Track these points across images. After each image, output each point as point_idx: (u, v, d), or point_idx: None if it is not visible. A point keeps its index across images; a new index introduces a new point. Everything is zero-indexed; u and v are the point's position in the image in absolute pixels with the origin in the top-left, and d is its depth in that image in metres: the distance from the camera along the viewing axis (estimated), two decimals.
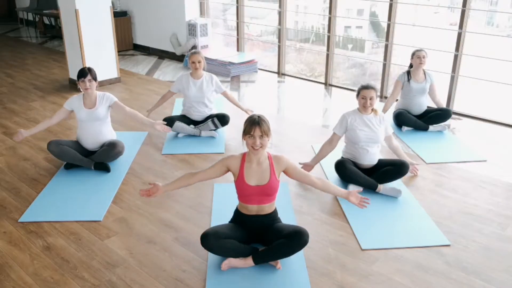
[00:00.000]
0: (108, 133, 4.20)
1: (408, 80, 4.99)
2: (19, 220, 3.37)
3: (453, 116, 5.06)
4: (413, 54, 4.98)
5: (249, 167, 2.87)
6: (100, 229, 3.28)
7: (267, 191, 2.86)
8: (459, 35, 5.46)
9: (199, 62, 4.72)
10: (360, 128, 3.76)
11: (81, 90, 4.05)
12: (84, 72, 3.99)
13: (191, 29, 7.88)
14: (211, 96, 4.86)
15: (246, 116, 2.89)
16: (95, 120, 4.06)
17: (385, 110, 5.03)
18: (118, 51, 7.12)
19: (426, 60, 4.94)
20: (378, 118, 3.81)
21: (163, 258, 2.96)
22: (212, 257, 2.92)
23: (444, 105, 5.21)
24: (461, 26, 5.42)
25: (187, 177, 2.97)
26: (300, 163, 3.85)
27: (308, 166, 3.91)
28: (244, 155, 2.90)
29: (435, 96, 5.13)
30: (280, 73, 7.34)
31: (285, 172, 2.96)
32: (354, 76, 7.79)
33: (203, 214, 3.47)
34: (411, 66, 5.04)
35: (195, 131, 4.80)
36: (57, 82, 6.83)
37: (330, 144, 3.90)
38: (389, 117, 5.16)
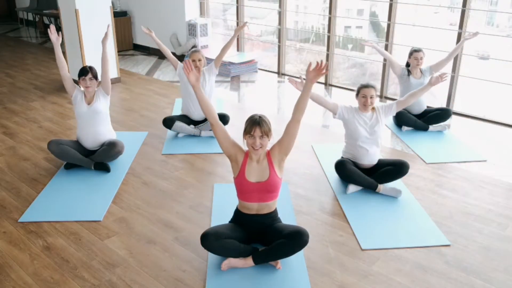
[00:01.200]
0: (108, 133, 4.21)
1: (408, 75, 5.01)
2: (19, 220, 3.37)
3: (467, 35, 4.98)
4: (410, 54, 5.00)
5: (250, 163, 2.88)
6: (100, 229, 3.28)
7: (267, 188, 2.86)
8: (459, 35, 5.46)
9: (199, 60, 4.72)
10: (361, 124, 3.76)
11: (82, 88, 4.06)
12: (85, 71, 4.00)
13: (191, 29, 7.88)
14: (212, 90, 4.84)
15: (247, 116, 2.88)
16: (94, 114, 4.06)
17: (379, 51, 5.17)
18: (118, 51, 7.12)
19: (423, 61, 4.96)
20: (376, 115, 3.80)
21: (163, 258, 2.96)
22: (212, 257, 2.92)
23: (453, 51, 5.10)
24: (461, 26, 5.42)
25: (214, 110, 2.89)
26: (301, 78, 3.66)
27: (299, 84, 3.71)
28: (247, 152, 2.90)
29: (441, 62, 5.04)
30: (280, 73, 7.34)
31: (283, 151, 2.88)
32: (354, 76, 7.79)
33: (203, 214, 3.47)
34: (407, 64, 5.06)
35: (195, 131, 4.80)
36: (57, 82, 6.83)
37: (327, 103, 3.81)
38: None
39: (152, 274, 2.82)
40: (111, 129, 4.25)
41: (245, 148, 2.92)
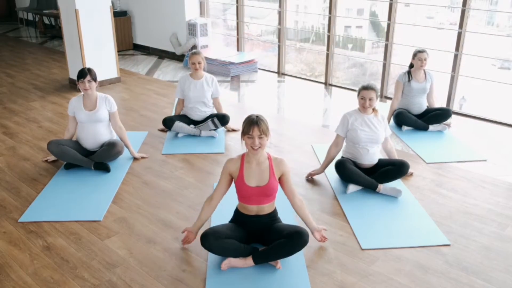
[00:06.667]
0: (108, 133, 4.20)
1: (409, 80, 4.98)
2: (19, 220, 3.37)
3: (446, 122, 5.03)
4: (414, 55, 4.95)
5: (248, 167, 2.87)
6: (100, 229, 3.28)
7: (266, 192, 2.86)
8: (459, 35, 5.46)
9: (199, 63, 4.72)
10: (361, 128, 3.75)
11: (81, 90, 4.06)
12: (84, 73, 3.99)
13: (191, 29, 7.88)
14: (210, 96, 4.86)
15: (246, 116, 2.88)
16: (95, 121, 4.07)
17: (390, 113, 5.07)
18: (118, 51, 7.12)
19: (427, 62, 4.93)
20: (378, 118, 3.81)
21: (163, 258, 2.96)
22: (212, 257, 2.92)
23: (436, 106, 5.15)
24: (461, 26, 5.42)
25: (207, 207, 2.99)
26: (310, 174, 3.97)
27: (315, 173, 3.97)
28: (243, 156, 2.90)
29: (431, 96, 5.11)
30: (280, 73, 7.34)
31: (279, 177, 2.96)
32: (354, 76, 7.79)
33: None
34: (411, 65, 5.03)
35: (195, 131, 4.80)
36: (57, 82, 6.83)
37: (336, 146, 3.90)
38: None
39: (152, 274, 2.82)
40: (111, 130, 4.25)
41: (241, 151, 2.93)
